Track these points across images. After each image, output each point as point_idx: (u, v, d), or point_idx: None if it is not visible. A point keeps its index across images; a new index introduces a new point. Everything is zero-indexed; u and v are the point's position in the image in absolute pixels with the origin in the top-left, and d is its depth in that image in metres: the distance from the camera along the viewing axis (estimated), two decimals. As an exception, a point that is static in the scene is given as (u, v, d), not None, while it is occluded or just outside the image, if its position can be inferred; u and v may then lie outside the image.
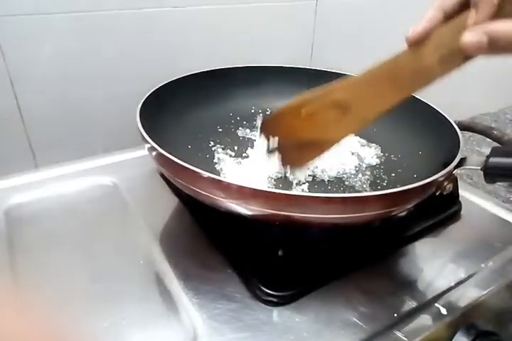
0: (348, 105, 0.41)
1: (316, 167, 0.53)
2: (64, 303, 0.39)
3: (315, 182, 0.51)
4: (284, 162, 0.47)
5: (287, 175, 0.50)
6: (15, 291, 0.39)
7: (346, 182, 0.52)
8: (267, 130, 0.48)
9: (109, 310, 0.38)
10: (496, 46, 0.32)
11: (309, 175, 0.52)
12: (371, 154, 0.57)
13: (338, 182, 0.52)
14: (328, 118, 0.42)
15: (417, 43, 0.36)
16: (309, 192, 0.49)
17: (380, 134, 0.60)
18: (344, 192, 0.50)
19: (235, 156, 0.55)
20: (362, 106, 0.41)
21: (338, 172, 0.53)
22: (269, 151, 0.47)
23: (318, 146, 0.44)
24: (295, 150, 0.46)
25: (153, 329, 0.37)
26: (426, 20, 0.35)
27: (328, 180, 0.52)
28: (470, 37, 0.32)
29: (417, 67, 0.37)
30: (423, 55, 0.36)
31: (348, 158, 0.56)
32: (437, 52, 0.35)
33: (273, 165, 0.49)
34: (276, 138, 0.47)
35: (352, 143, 0.59)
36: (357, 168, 0.55)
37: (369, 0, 0.79)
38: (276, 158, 0.47)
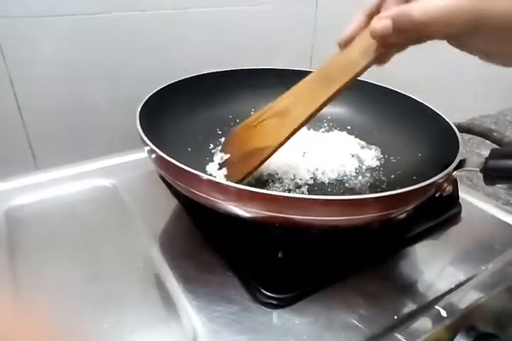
0: (287, 111, 0.45)
1: (317, 169, 0.53)
2: (63, 305, 0.39)
3: (315, 185, 0.51)
4: (227, 176, 0.49)
5: None
6: (14, 292, 0.39)
7: (346, 184, 0.52)
8: (224, 148, 0.52)
9: (108, 311, 0.38)
10: (401, 30, 0.32)
11: (310, 178, 0.52)
12: (371, 156, 0.57)
13: (338, 184, 0.52)
14: (271, 126, 0.46)
15: (345, 45, 0.40)
16: (309, 194, 0.49)
17: (380, 136, 0.60)
18: (344, 194, 0.50)
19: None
20: (298, 109, 0.44)
21: (339, 174, 0.53)
22: (219, 166, 0.51)
23: (259, 153, 0.46)
24: (239, 163, 0.48)
25: (152, 332, 0.36)
26: (352, 25, 0.39)
27: (329, 182, 0.52)
28: (376, 23, 0.33)
29: (343, 63, 0.40)
30: (348, 52, 0.40)
31: (349, 160, 0.56)
32: (359, 47, 0.39)
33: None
34: (228, 155, 0.50)
35: (352, 145, 0.59)
36: (357, 170, 0.55)
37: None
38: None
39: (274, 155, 0.49)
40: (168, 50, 0.66)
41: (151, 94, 0.53)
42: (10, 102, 0.58)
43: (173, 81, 0.57)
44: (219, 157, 0.52)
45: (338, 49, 0.41)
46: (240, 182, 0.46)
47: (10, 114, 0.59)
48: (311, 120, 0.44)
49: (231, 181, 0.44)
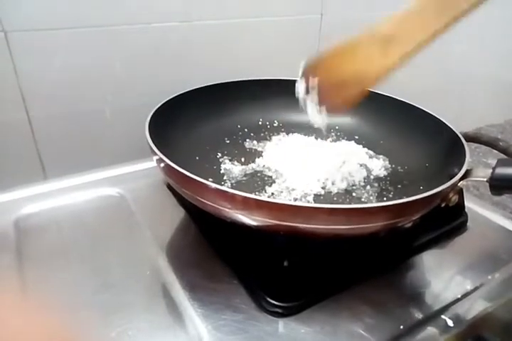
0: (392, 39, 0.40)
1: (327, 179, 0.53)
2: (71, 313, 0.39)
3: (322, 194, 0.52)
4: (321, 102, 0.45)
5: (319, 119, 0.47)
6: (23, 301, 0.40)
7: (354, 194, 0.52)
8: (307, 72, 0.46)
9: (115, 320, 0.38)
10: None
11: (321, 188, 0.52)
12: (379, 166, 0.57)
13: (345, 194, 0.52)
14: (370, 53, 0.42)
15: None
16: (315, 203, 0.49)
17: (387, 146, 0.60)
18: (350, 204, 0.50)
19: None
20: (405, 39, 0.40)
21: (348, 184, 0.54)
22: (307, 91, 0.45)
23: (358, 83, 0.43)
24: (334, 90, 0.44)
25: (158, 340, 0.37)
26: None
27: (337, 192, 0.52)
28: None
29: None
30: None
31: (357, 170, 0.56)
32: None
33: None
34: (316, 79, 0.45)
35: (361, 154, 0.59)
36: (365, 180, 0.55)
37: (372, 14, 0.80)
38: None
39: (285, 164, 0.49)
40: (177, 62, 0.67)
41: (161, 104, 0.53)
42: (20, 113, 0.59)
43: (183, 91, 0.58)
44: (302, 82, 0.47)
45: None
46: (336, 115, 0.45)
47: (20, 124, 0.60)
48: (420, 50, 0.40)
49: (331, 109, 0.44)
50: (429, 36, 0.39)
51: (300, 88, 0.46)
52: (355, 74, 0.43)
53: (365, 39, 0.42)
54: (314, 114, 0.46)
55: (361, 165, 0.57)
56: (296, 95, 0.47)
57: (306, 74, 0.46)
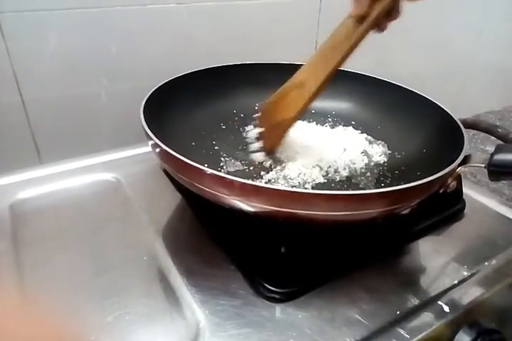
0: (303, 83, 0.49)
1: (329, 166, 0.53)
2: (67, 298, 0.39)
3: (322, 182, 0.51)
4: (264, 146, 0.54)
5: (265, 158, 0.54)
6: (19, 285, 0.40)
7: (353, 180, 0.52)
8: (259, 123, 0.55)
9: (112, 305, 0.38)
10: None
11: (323, 176, 0.52)
12: (379, 152, 0.57)
13: (344, 180, 0.52)
14: (292, 98, 0.50)
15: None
16: (313, 189, 0.49)
17: (384, 132, 0.60)
18: (348, 190, 0.50)
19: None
20: (312, 80, 0.48)
21: (350, 171, 0.53)
22: (256, 138, 0.55)
23: (284, 124, 0.51)
24: (269, 134, 0.54)
25: (156, 325, 0.37)
26: None
27: (339, 180, 0.52)
28: None
29: (344, 32, 0.45)
30: (346, 22, 0.45)
31: (359, 157, 0.55)
32: (356, 15, 0.44)
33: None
34: (261, 129, 0.54)
35: (361, 141, 0.59)
36: (366, 166, 0.55)
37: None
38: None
39: (283, 151, 0.52)
40: (172, 45, 0.66)
41: (155, 88, 0.52)
42: (14, 97, 0.58)
43: (177, 75, 0.57)
44: (254, 132, 0.56)
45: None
46: (270, 153, 0.54)
47: (14, 109, 0.59)
48: (324, 88, 0.48)
49: (264, 152, 0.54)
50: (327, 76, 0.47)
51: (252, 133, 0.56)
52: (280, 119, 0.51)
53: (288, 88, 0.50)
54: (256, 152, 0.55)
55: (362, 152, 0.57)
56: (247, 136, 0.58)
57: (259, 121, 0.55)
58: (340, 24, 0.45)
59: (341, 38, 0.45)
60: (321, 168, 0.53)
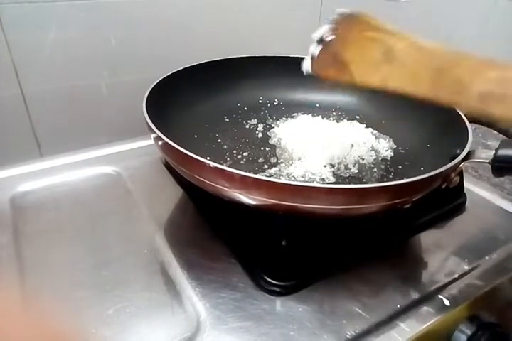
0: (394, 58, 0.40)
1: (340, 163, 0.52)
2: (68, 291, 0.39)
3: (328, 177, 0.50)
4: (313, 64, 0.44)
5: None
6: (20, 278, 0.40)
7: (360, 176, 0.51)
8: (335, 25, 0.43)
9: (113, 298, 0.38)
10: None
11: (333, 173, 0.51)
12: (386, 147, 0.56)
13: (353, 177, 0.51)
14: (375, 59, 0.41)
15: None
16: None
17: (389, 127, 0.59)
18: (350, 183, 0.50)
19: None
20: (396, 71, 0.40)
21: (359, 167, 0.53)
22: (318, 41, 0.44)
23: (347, 73, 0.42)
24: (329, 59, 0.44)
25: (156, 318, 0.37)
26: None
27: (349, 176, 0.51)
28: None
29: (458, 79, 0.37)
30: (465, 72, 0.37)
31: (367, 153, 0.55)
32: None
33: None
34: (332, 36, 0.43)
35: (368, 136, 0.58)
36: (374, 162, 0.54)
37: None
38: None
39: (288, 145, 0.51)
40: (174, 37, 0.66)
41: (157, 81, 0.52)
42: (14, 89, 0.58)
43: (180, 68, 0.56)
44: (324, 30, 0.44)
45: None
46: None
47: (14, 102, 0.59)
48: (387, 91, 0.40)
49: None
50: (409, 89, 0.39)
51: (320, 32, 0.44)
52: (347, 64, 0.42)
53: (384, 36, 0.41)
54: (307, 61, 0.45)
55: (371, 148, 0.56)
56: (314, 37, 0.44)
57: (334, 24, 0.43)
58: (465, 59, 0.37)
59: (452, 83, 0.37)
60: (330, 164, 0.52)
